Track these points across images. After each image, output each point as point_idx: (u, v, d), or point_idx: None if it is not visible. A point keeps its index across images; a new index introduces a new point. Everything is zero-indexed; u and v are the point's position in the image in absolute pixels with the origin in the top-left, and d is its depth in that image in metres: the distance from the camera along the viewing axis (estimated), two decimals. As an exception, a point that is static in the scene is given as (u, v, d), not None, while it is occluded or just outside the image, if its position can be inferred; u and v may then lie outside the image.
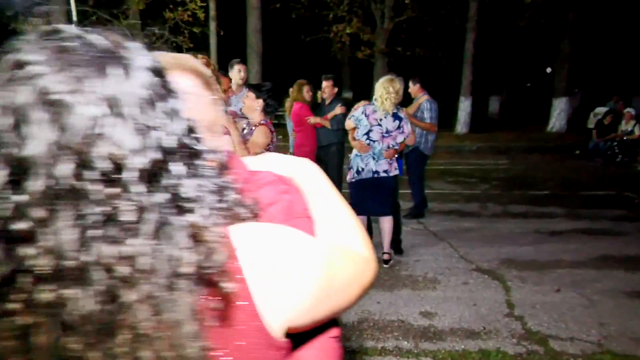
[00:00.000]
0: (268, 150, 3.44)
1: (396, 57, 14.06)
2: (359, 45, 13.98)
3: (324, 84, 5.57)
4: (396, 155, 4.37)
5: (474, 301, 3.78)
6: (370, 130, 4.26)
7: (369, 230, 4.64)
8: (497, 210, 6.60)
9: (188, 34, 12.01)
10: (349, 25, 13.19)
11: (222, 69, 13.27)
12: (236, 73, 4.79)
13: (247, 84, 3.85)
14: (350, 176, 4.42)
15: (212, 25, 11.84)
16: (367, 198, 4.37)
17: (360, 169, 4.32)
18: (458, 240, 5.23)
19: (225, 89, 3.77)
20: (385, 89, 4.17)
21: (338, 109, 5.40)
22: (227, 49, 13.59)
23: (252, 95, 3.44)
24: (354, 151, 4.41)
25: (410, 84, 5.64)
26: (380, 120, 4.22)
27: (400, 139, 4.26)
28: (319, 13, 13.42)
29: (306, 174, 0.90)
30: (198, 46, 12.44)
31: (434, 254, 4.81)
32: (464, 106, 14.70)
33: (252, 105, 3.45)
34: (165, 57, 0.88)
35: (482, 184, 8.45)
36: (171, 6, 11.51)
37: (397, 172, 4.39)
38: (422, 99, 5.54)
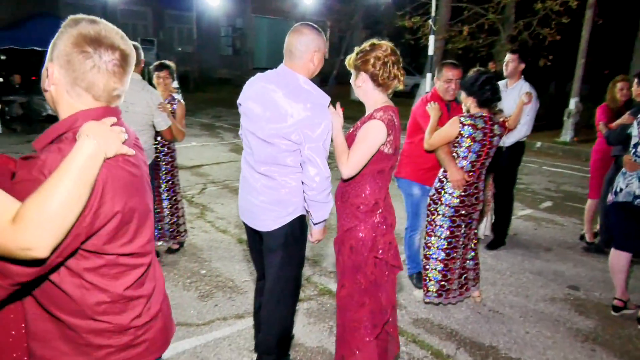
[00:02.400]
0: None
1: None
2: None
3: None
4: None
5: None
6: (638, 143, 3.14)
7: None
8: None
9: (555, 25, 11.03)
10: None
11: (595, 61, 11.61)
12: (504, 65, 4.40)
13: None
14: (609, 198, 3.39)
15: (588, 14, 10.40)
16: (632, 230, 3.28)
17: (618, 190, 3.27)
18: None
19: (450, 79, 3.54)
20: None
21: (625, 117, 4.01)
22: (603, 40, 11.69)
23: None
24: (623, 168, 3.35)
25: None
26: None
27: None
28: None
29: (77, 149, 1.07)
30: (566, 38, 11.26)
31: None
32: None
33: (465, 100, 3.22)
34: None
35: None
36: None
37: None
38: None
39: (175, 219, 4.19)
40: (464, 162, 3.20)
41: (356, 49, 2.36)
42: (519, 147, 4.50)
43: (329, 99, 2.27)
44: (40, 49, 9.55)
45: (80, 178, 1.03)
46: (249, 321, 3.10)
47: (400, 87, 2.34)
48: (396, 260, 2.33)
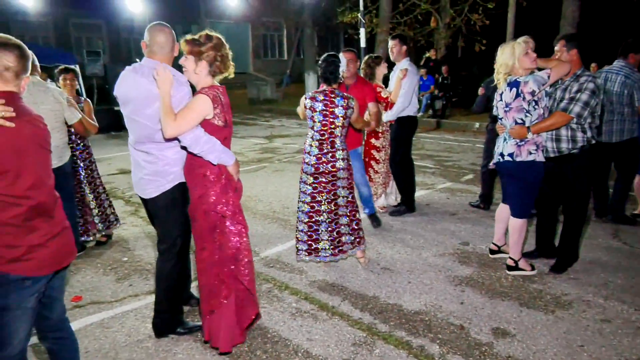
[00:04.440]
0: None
1: None
2: None
3: None
4: (531, 136, 3.37)
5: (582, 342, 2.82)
6: (496, 109, 3.66)
7: (545, 232, 3.95)
8: None
9: (482, 10, 11.63)
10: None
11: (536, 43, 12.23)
12: (389, 51, 4.99)
13: None
14: (490, 165, 3.86)
15: (512, -2, 11.00)
16: (503, 187, 3.78)
17: (493, 154, 3.73)
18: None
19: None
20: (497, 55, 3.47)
21: (480, 90, 4.51)
22: (529, 21, 12.34)
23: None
24: None
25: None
26: (502, 93, 3.53)
27: (525, 107, 3.35)
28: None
29: None
30: (494, 23, 11.87)
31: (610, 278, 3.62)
32: None
33: None
34: None
35: None
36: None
37: (532, 157, 3.40)
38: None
39: (103, 209, 4.50)
40: (312, 132, 3.66)
41: (189, 36, 2.61)
42: (406, 122, 4.91)
43: (186, 79, 2.68)
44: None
45: None
46: (159, 295, 3.42)
47: (231, 75, 2.72)
48: (243, 222, 2.72)
